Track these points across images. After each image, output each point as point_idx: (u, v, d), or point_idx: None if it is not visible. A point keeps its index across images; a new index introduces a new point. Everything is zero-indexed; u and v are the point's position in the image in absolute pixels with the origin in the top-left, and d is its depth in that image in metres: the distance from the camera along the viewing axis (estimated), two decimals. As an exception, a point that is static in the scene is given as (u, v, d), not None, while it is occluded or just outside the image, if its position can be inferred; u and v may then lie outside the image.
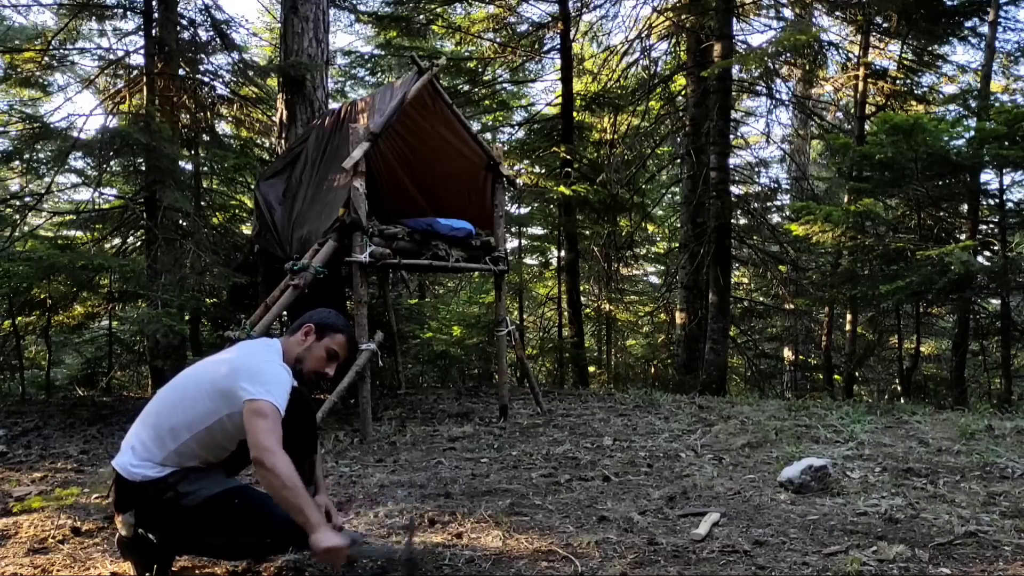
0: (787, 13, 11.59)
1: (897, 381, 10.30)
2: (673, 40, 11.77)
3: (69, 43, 8.54)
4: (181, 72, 7.89)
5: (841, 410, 6.08)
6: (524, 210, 13.01)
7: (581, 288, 12.22)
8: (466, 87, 11.44)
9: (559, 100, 11.11)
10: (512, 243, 12.99)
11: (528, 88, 14.48)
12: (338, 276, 6.50)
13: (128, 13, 8.06)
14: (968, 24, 9.51)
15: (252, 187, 8.03)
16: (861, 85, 10.01)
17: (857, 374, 10.90)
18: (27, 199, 8.47)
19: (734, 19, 10.16)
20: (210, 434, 2.43)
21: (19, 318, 7.82)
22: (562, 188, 10.08)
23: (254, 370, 2.43)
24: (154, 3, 7.41)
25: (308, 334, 2.65)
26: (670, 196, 15.56)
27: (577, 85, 11.77)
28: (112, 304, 8.23)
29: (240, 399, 2.35)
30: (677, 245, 13.21)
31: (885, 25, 10.23)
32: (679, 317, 11.56)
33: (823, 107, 13.41)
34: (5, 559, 2.82)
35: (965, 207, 8.62)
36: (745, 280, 15.92)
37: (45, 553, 2.90)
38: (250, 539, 2.45)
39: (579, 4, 11.45)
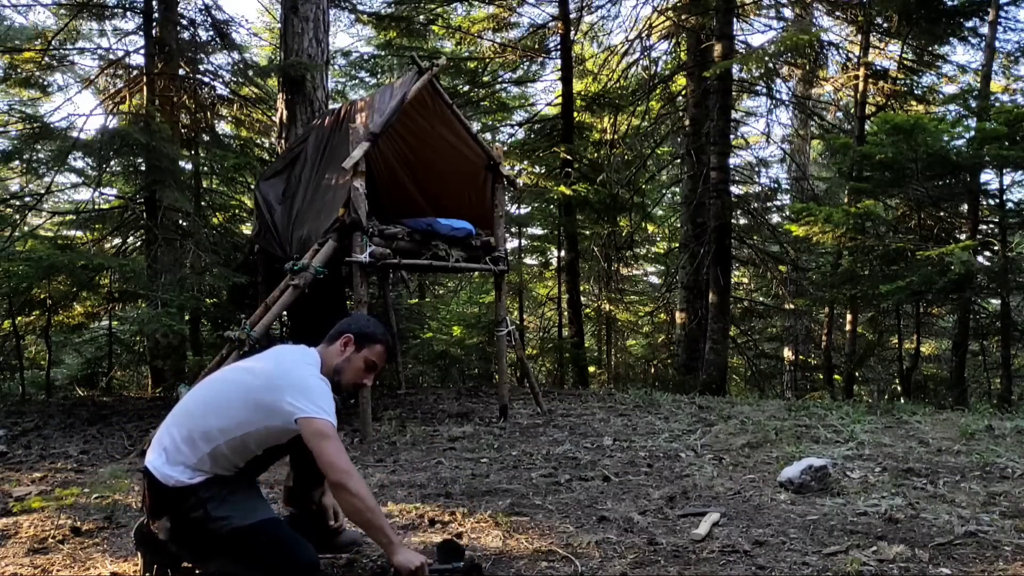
0: (787, 13, 11.60)
1: (897, 381, 10.31)
2: (673, 40, 11.78)
3: (69, 43, 8.54)
4: (181, 72, 7.89)
5: (841, 410, 6.07)
6: (524, 210, 13.01)
7: (581, 288, 12.23)
8: (466, 87, 11.44)
9: (559, 100, 11.12)
10: (512, 243, 13.00)
11: (528, 88, 14.49)
12: (338, 276, 6.50)
13: (128, 13, 8.07)
14: (968, 24, 9.52)
15: (252, 187, 8.04)
16: (861, 85, 10.02)
17: (857, 374, 10.90)
18: (27, 199, 8.47)
19: (734, 19, 10.16)
20: (244, 442, 2.42)
21: (19, 318, 7.82)
22: (562, 188, 10.08)
23: (300, 386, 2.42)
24: (154, 3, 7.41)
25: (347, 344, 2.61)
26: (670, 196, 15.57)
27: (577, 85, 11.78)
28: (112, 304, 8.23)
29: (289, 415, 2.35)
30: (677, 245, 13.22)
31: (885, 25, 10.23)
32: (679, 317, 11.57)
33: (823, 107, 13.42)
34: (5, 559, 2.82)
35: (965, 207, 8.63)
36: (745, 280, 15.92)
37: (45, 553, 2.90)
38: None
39: (579, 4, 11.45)
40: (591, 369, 12.63)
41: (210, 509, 2.35)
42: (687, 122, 11.38)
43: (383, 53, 11.62)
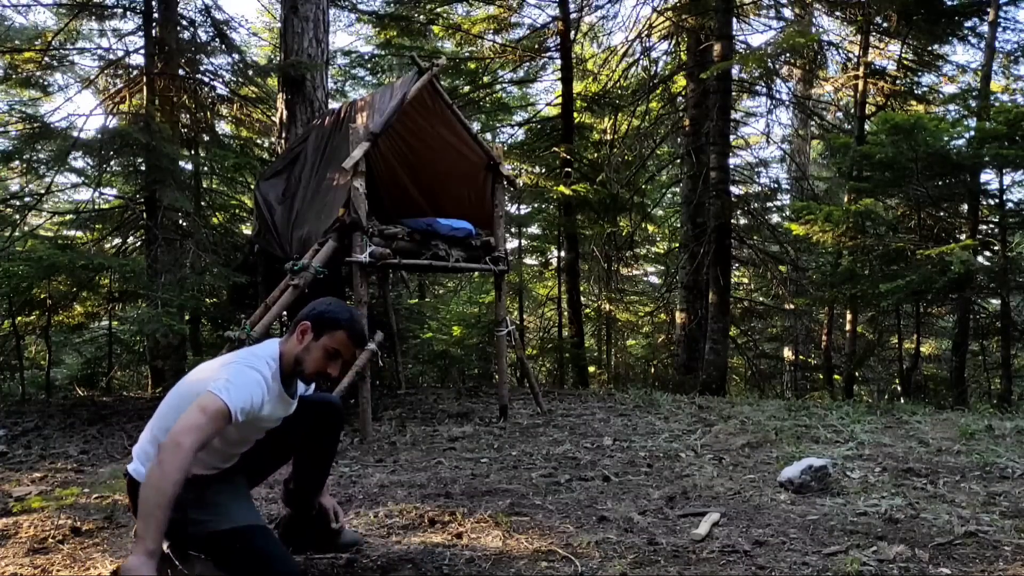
0: (787, 13, 11.61)
1: (897, 381, 10.30)
2: (673, 40, 11.77)
3: (69, 43, 8.53)
4: (181, 72, 7.88)
5: (841, 410, 6.08)
6: (524, 210, 13.00)
7: (581, 288, 12.23)
8: (466, 88, 11.43)
9: (559, 100, 11.11)
10: (512, 243, 12.99)
11: (528, 88, 14.50)
12: (338, 276, 6.50)
13: (128, 13, 8.06)
14: (968, 24, 9.52)
15: (252, 187, 8.03)
16: (861, 85, 10.01)
17: (857, 374, 10.89)
18: (27, 199, 8.47)
19: (734, 19, 10.16)
20: None
21: (19, 318, 7.82)
22: (562, 188, 10.08)
23: (226, 370, 2.33)
24: (154, 3, 7.41)
25: (305, 332, 2.42)
26: (670, 196, 15.57)
27: (577, 86, 11.78)
28: (112, 304, 8.23)
29: None
30: (677, 245, 13.22)
31: (885, 25, 10.23)
32: (679, 317, 11.56)
33: (823, 107, 13.42)
34: (5, 559, 2.82)
35: (965, 207, 8.62)
36: (745, 280, 15.92)
37: (45, 553, 2.90)
38: None
39: (579, 5, 11.45)
40: (591, 369, 12.62)
41: (189, 512, 2.31)
42: (687, 122, 11.37)
43: (383, 53, 11.63)
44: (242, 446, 2.51)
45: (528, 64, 12.11)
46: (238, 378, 2.28)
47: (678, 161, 13.18)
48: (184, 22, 8.03)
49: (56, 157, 7.18)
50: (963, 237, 7.95)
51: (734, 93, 11.16)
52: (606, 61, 12.12)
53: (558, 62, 11.15)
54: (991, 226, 8.35)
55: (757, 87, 11.81)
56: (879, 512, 3.19)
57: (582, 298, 12.19)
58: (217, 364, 2.47)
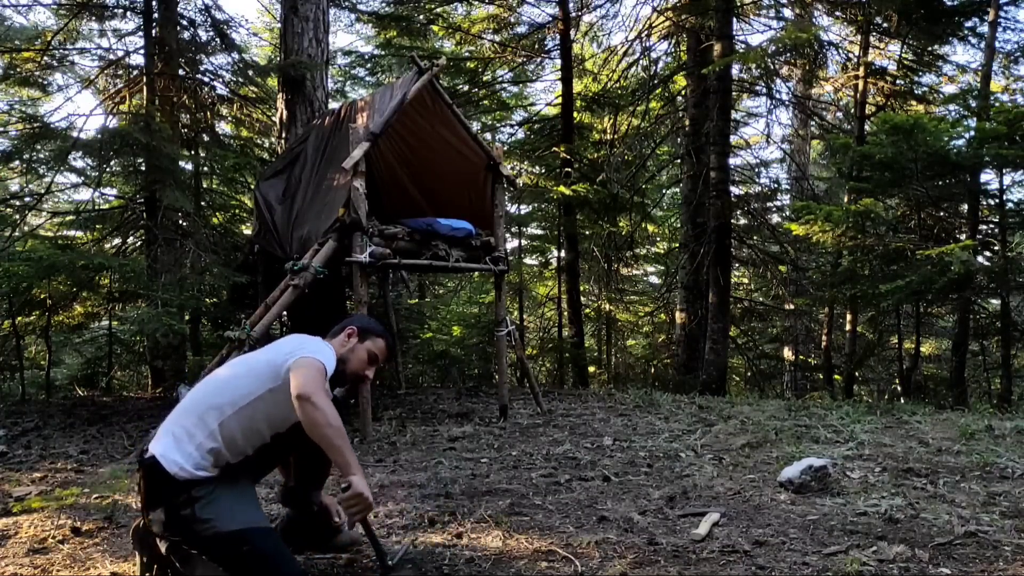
0: (787, 13, 11.60)
1: (897, 381, 10.31)
2: (673, 40, 11.77)
3: (69, 43, 8.54)
4: (181, 72, 7.89)
5: (841, 410, 6.07)
6: (524, 210, 13.00)
7: (581, 288, 12.23)
8: (466, 87, 11.44)
9: (559, 100, 11.12)
10: (512, 243, 13.00)
11: (528, 88, 14.51)
12: (338, 276, 6.50)
13: (128, 13, 8.07)
14: (968, 24, 9.51)
15: (252, 187, 8.04)
16: (861, 85, 10.01)
17: (857, 374, 10.89)
18: (27, 199, 8.47)
19: (734, 19, 10.16)
20: (252, 411, 2.39)
21: (19, 318, 7.82)
22: (562, 188, 10.08)
23: (299, 344, 2.51)
24: (154, 3, 7.41)
25: (351, 336, 2.70)
26: (670, 196, 15.57)
27: (577, 85, 11.78)
28: (112, 304, 8.23)
29: (284, 367, 2.38)
30: (677, 245, 13.22)
31: (885, 25, 10.23)
32: (679, 317, 11.57)
33: (823, 107, 13.42)
34: (5, 559, 2.83)
35: (965, 207, 8.62)
36: (745, 280, 15.93)
37: (45, 553, 2.90)
38: None
39: (579, 4, 11.45)
40: (591, 369, 12.62)
41: (197, 509, 2.30)
42: (687, 122, 11.37)
43: (383, 53, 11.62)
44: (278, 427, 2.49)
45: (528, 64, 12.11)
46: (319, 349, 2.48)
47: (678, 161, 13.18)
48: (184, 22, 8.04)
49: (56, 157, 7.18)
50: (963, 237, 7.95)
51: (734, 93, 11.16)
52: (606, 61, 12.12)
53: (558, 62, 11.16)
54: (991, 226, 8.34)
55: (757, 87, 11.81)
56: (879, 512, 3.19)
57: (582, 298, 12.19)
58: (279, 343, 2.65)
